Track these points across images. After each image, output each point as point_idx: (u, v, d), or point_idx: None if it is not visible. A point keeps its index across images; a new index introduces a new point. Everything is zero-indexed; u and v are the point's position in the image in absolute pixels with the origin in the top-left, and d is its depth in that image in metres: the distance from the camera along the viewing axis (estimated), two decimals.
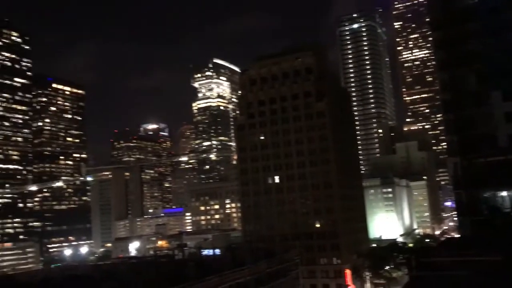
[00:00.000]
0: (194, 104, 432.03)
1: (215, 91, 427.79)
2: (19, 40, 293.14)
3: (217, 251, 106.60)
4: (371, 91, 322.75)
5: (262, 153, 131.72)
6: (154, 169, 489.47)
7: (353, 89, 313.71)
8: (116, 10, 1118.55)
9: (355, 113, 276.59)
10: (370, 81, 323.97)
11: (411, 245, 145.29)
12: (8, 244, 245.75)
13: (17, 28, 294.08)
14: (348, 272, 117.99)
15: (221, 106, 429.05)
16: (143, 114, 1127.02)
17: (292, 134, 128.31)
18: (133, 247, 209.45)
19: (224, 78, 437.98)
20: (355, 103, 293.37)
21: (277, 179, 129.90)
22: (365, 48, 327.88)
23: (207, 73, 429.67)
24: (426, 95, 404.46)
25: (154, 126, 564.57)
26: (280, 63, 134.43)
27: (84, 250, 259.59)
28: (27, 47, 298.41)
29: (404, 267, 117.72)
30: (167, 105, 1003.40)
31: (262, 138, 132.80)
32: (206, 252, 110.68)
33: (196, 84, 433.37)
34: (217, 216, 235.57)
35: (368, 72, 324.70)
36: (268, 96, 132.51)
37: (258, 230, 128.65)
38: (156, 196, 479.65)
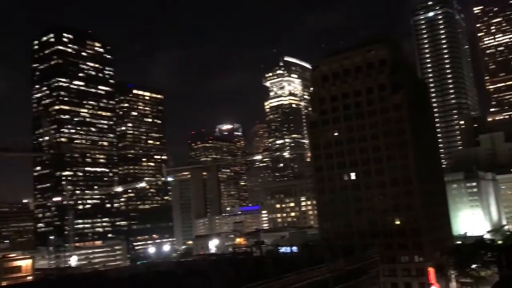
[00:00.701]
0: (266, 103, 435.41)
1: (286, 89, 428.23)
2: (101, 50, 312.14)
3: (294, 248, 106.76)
4: (450, 81, 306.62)
5: (337, 150, 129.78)
6: (230, 168, 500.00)
7: (430, 80, 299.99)
8: (193, 16, 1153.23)
9: (434, 104, 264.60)
10: (449, 71, 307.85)
11: (500, 242, 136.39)
12: (98, 242, 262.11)
13: (99, 39, 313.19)
14: (431, 270, 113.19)
15: (293, 103, 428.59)
16: (218, 116, 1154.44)
17: (368, 129, 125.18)
18: (213, 245, 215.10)
19: (295, 76, 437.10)
20: (433, 94, 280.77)
21: (353, 175, 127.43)
22: (442, 36, 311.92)
23: (278, 72, 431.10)
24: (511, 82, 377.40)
25: (229, 126, 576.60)
26: (352, 57, 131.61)
27: (167, 247, 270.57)
28: (109, 57, 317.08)
29: (493, 265, 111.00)
30: (241, 106, 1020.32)
31: (336, 134, 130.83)
32: (283, 249, 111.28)
33: (267, 83, 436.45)
34: (293, 214, 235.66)
35: (447, 61, 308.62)
36: (341, 91, 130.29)
37: (335, 228, 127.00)
38: (232, 194, 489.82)
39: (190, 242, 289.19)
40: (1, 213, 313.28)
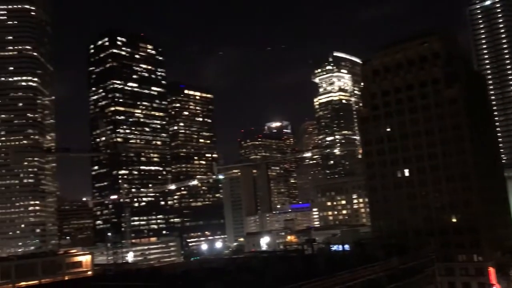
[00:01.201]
0: (315, 100, 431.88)
1: (336, 84, 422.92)
2: (153, 52, 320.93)
3: (346, 246, 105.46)
4: (510, 72, 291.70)
5: (389, 146, 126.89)
6: (280, 166, 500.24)
7: (488, 72, 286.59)
8: (241, 16, 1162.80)
9: (492, 97, 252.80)
10: (508, 61, 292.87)
11: None
12: (153, 239, 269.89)
13: (151, 41, 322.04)
14: (492, 270, 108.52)
15: (343, 99, 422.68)
16: (267, 113, 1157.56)
17: (421, 124, 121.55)
18: (264, 242, 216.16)
19: (345, 71, 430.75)
20: (491, 87, 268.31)
21: (406, 172, 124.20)
22: (501, 25, 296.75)
23: (327, 67, 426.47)
24: None
25: (278, 124, 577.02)
26: (404, 50, 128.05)
27: (219, 244, 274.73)
28: (161, 58, 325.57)
29: None
30: (290, 103, 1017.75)
31: (388, 130, 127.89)
32: (335, 247, 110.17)
33: (316, 80, 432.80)
34: (344, 212, 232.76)
35: (506, 51, 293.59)
36: (393, 85, 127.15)
37: (388, 226, 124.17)
38: (282, 192, 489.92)
39: (242, 239, 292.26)
40: (63, 211, 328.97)
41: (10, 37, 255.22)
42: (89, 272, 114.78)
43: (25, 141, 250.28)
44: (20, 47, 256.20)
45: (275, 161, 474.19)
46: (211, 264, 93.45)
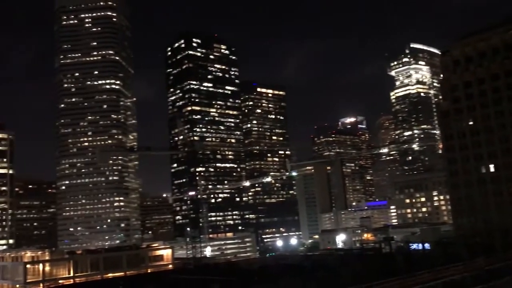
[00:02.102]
0: (392, 93, 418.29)
1: (413, 77, 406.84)
2: (227, 52, 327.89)
3: (427, 245, 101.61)
4: None
5: (472, 140, 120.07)
6: (355, 162, 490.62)
7: None
8: (313, 10, 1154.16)
9: None
10: None
11: None
12: (229, 234, 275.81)
13: (225, 42, 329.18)
14: None
15: (421, 92, 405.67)
16: (341, 109, 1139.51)
17: (507, 116, 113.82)
18: (340, 239, 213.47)
19: (423, 63, 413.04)
20: None
21: (492, 167, 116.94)
22: None
23: (404, 60, 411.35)
24: None
25: (352, 119, 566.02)
26: (488, 39, 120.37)
27: (294, 240, 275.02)
28: (234, 58, 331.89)
29: None
30: (364, 98, 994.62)
31: (471, 123, 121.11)
32: (414, 246, 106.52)
33: (392, 73, 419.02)
34: (424, 209, 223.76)
35: None
36: (476, 76, 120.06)
37: (472, 224, 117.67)
38: (358, 189, 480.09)
39: (316, 236, 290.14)
40: (145, 206, 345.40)
41: (95, 43, 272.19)
42: (170, 266, 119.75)
43: (109, 141, 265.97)
44: (103, 52, 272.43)
45: (349, 158, 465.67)
46: (287, 260, 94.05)
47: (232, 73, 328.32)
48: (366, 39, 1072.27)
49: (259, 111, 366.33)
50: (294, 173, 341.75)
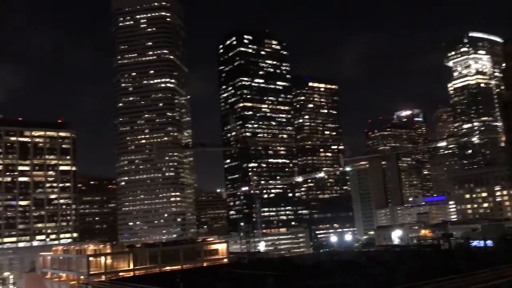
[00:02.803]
0: (449, 85, 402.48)
1: (473, 67, 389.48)
2: (278, 47, 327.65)
3: (489, 242, 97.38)
4: None
5: None
6: (411, 156, 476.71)
7: None
8: (363, 4, 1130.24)
9: None
10: None
11: None
12: (283, 230, 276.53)
13: (276, 37, 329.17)
14: None
15: (481, 83, 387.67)
16: (396, 102, 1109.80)
17: None
18: (396, 236, 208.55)
19: (483, 52, 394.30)
20: None
21: None
22: None
23: (463, 49, 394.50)
24: None
25: (408, 112, 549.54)
26: None
27: (348, 237, 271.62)
28: (285, 53, 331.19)
29: None
30: (421, 90, 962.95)
31: None
32: (475, 243, 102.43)
33: (450, 63, 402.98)
34: (485, 205, 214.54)
35: None
36: None
37: None
38: (415, 184, 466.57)
39: (372, 232, 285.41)
40: (200, 201, 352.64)
41: (150, 43, 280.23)
42: (225, 260, 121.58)
43: (165, 138, 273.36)
44: (158, 51, 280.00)
45: (405, 152, 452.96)
46: (341, 256, 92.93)
47: (284, 68, 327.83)
48: (422, 30, 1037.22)
49: (311, 106, 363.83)
50: (348, 168, 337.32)
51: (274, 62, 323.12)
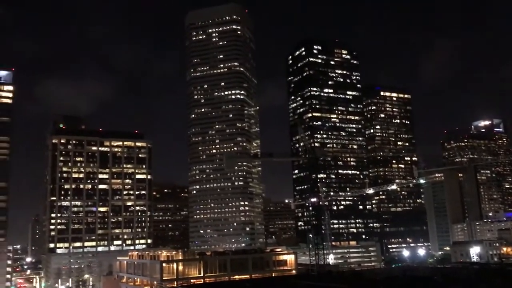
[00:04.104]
0: None
1: None
2: (348, 56, 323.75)
3: None
4: None
5: None
6: (491, 169, 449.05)
7: None
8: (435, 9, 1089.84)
9: None
10: None
11: None
12: (353, 243, 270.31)
13: (346, 46, 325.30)
14: None
15: None
16: (474, 111, 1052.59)
17: None
18: (474, 252, 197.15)
19: None
20: None
21: None
22: None
23: None
24: None
25: (487, 122, 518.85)
26: None
27: (421, 252, 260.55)
28: (355, 62, 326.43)
29: None
30: (501, 98, 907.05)
31: None
32: None
33: None
34: None
35: None
36: None
37: None
38: (495, 198, 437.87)
39: (447, 248, 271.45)
40: (268, 211, 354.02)
41: (221, 56, 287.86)
42: (293, 271, 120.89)
43: (235, 148, 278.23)
44: (229, 64, 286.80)
45: (485, 164, 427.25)
46: (415, 272, 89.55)
47: (354, 77, 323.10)
48: (502, 35, 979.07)
49: (382, 115, 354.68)
50: (422, 181, 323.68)
51: (344, 72, 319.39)
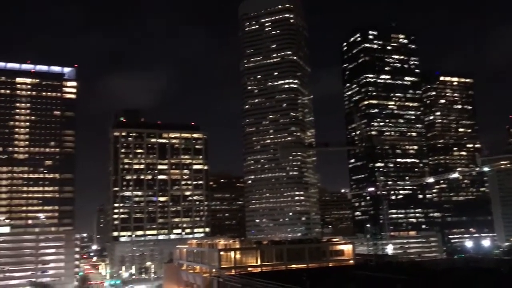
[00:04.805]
0: None
1: None
2: (405, 41, 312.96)
3: None
4: None
5: None
6: None
7: None
8: None
9: None
10: None
11: None
12: (412, 233, 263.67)
13: (403, 31, 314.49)
14: None
15: None
16: None
17: None
18: None
19: None
20: None
21: None
22: None
23: None
24: None
25: None
26: None
27: (486, 242, 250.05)
28: (413, 47, 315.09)
29: None
30: None
31: None
32: None
33: None
34: None
35: None
36: None
37: None
38: None
39: None
40: (324, 201, 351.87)
41: (274, 45, 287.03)
42: (351, 261, 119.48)
43: (289, 138, 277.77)
44: (282, 53, 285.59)
45: None
46: (479, 263, 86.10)
47: (412, 63, 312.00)
48: None
49: (443, 101, 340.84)
50: (485, 169, 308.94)
51: (402, 57, 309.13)
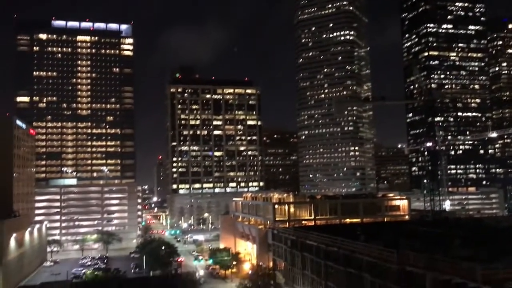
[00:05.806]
0: None
1: None
2: None
3: None
4: None
5: None
6: None
7: None
8: None
9: None
10: None
11: None
12: (471, 189, 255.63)
13: None
14: None
15: None
16: None
17: None
18: None
19: None
20: None
21: None
22: None
23: None
24: None
25: None
26: None
27: None
28: None
29: None
30: None
31: None
32: None
33: None
34: None
35: None
36: None
37: None
38: None
39: None
40: (379, 156, 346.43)
41: None
42: (406, 216, 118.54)
43: (344, 92, 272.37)
44: (338, 3, 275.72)
45: None
46: None
47: (477, 10, 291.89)
48: None
49: (510, 51, 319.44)
50: None
51: (466, 4, 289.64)
